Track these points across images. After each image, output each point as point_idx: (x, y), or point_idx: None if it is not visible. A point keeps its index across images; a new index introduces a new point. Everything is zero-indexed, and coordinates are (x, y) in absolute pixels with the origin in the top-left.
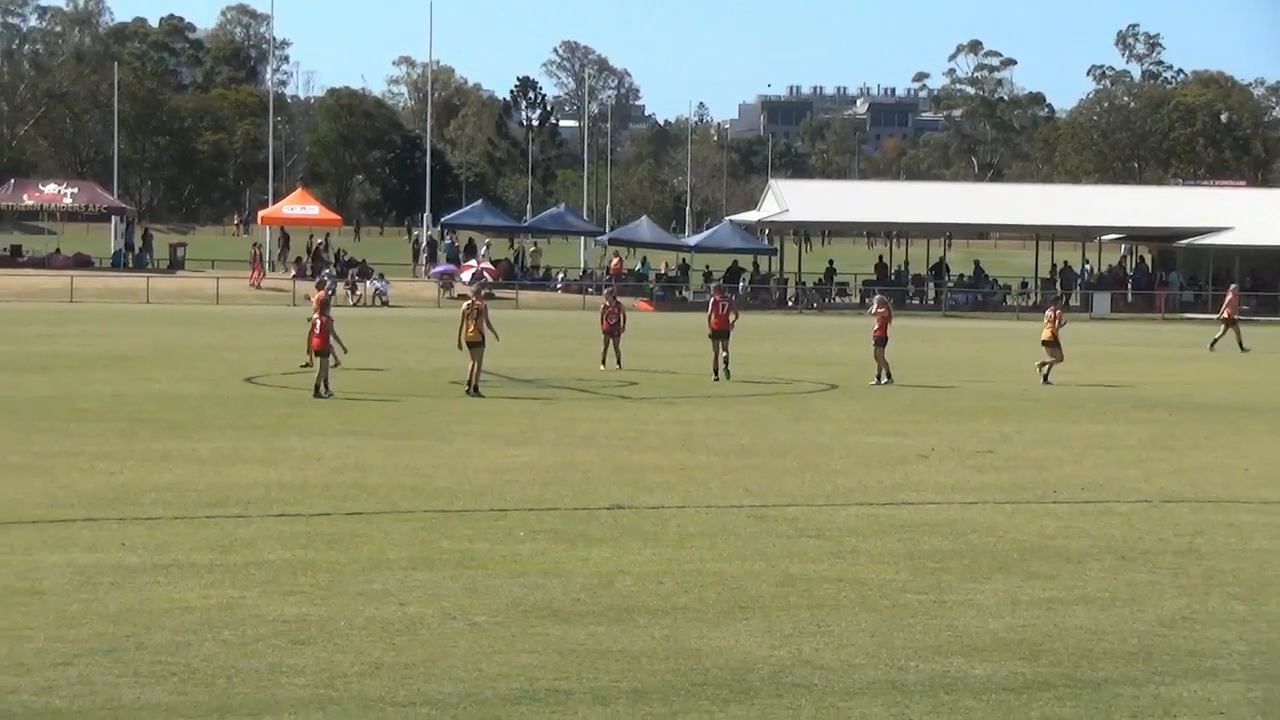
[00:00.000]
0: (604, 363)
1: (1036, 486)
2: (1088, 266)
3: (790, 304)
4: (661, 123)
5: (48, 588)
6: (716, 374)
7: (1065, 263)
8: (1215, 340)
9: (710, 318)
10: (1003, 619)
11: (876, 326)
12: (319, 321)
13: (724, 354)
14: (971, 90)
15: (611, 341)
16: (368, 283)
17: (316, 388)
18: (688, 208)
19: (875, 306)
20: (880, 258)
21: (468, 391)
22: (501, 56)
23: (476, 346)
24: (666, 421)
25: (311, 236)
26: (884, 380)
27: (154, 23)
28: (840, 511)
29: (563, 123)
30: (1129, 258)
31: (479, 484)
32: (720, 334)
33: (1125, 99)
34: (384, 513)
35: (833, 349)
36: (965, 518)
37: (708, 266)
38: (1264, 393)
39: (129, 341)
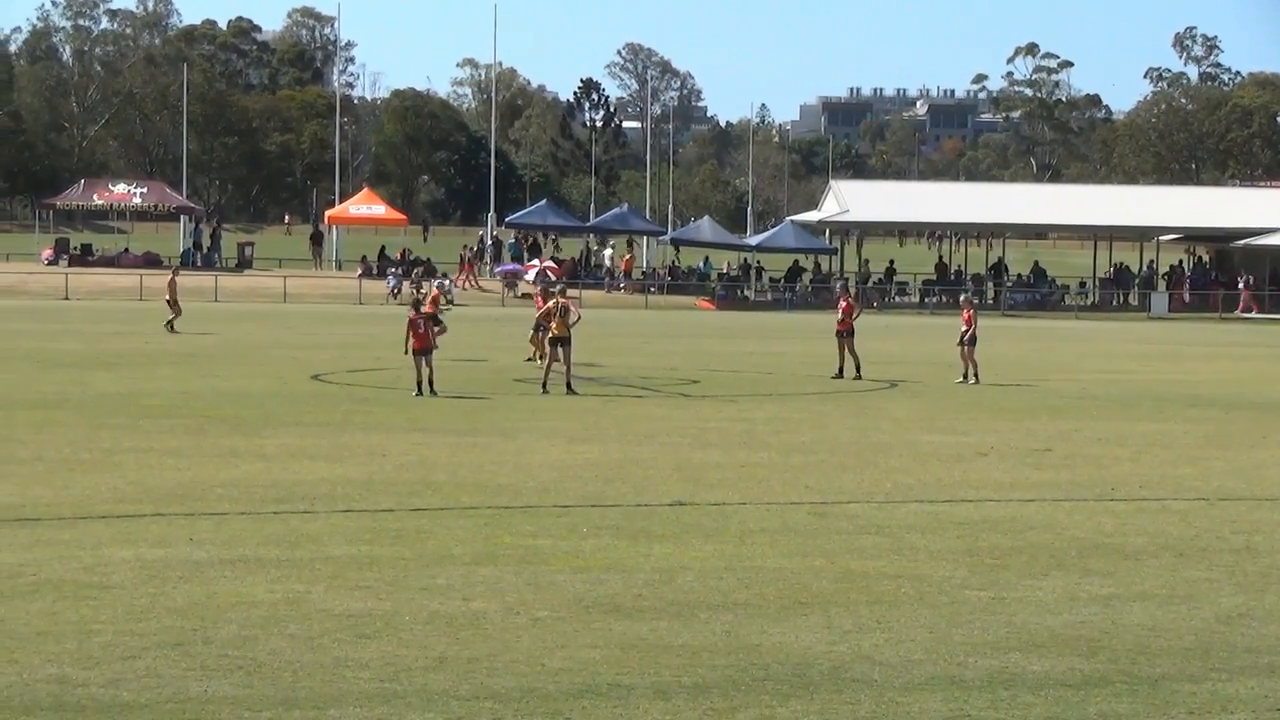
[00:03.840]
0: (531, 357)
1: (1094, 484)
2: (1151, 264)
3: None
4: (723, 124)
5: (116, 582)
6: (841, 373)
7: (1123, 264)
8: None
9: (838, 318)
10: (1061, 615)
11: (968, 328)
12: (418, 319)
13: (852, 355)
14: (1029, 92)
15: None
16: (432, 282)
17: (428, 385)
18: (749, 208)
19: (963, 307)
20: (940, 257)
21: (544, 389)
22: (565, 58)
23: (565, 343)
24: (728, 419)
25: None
26: (969, 379)
27: (222, 24)
28: (900, 508)
29: (626, 124)
30: (1188, 257)
31: (542, 480)
32: (845, 334)
33: (1182, 101)
34: (448, 509)
35: (892, 348)
36: (1024, 515)
37: (758, 262)
38: None
39: (197, 339)
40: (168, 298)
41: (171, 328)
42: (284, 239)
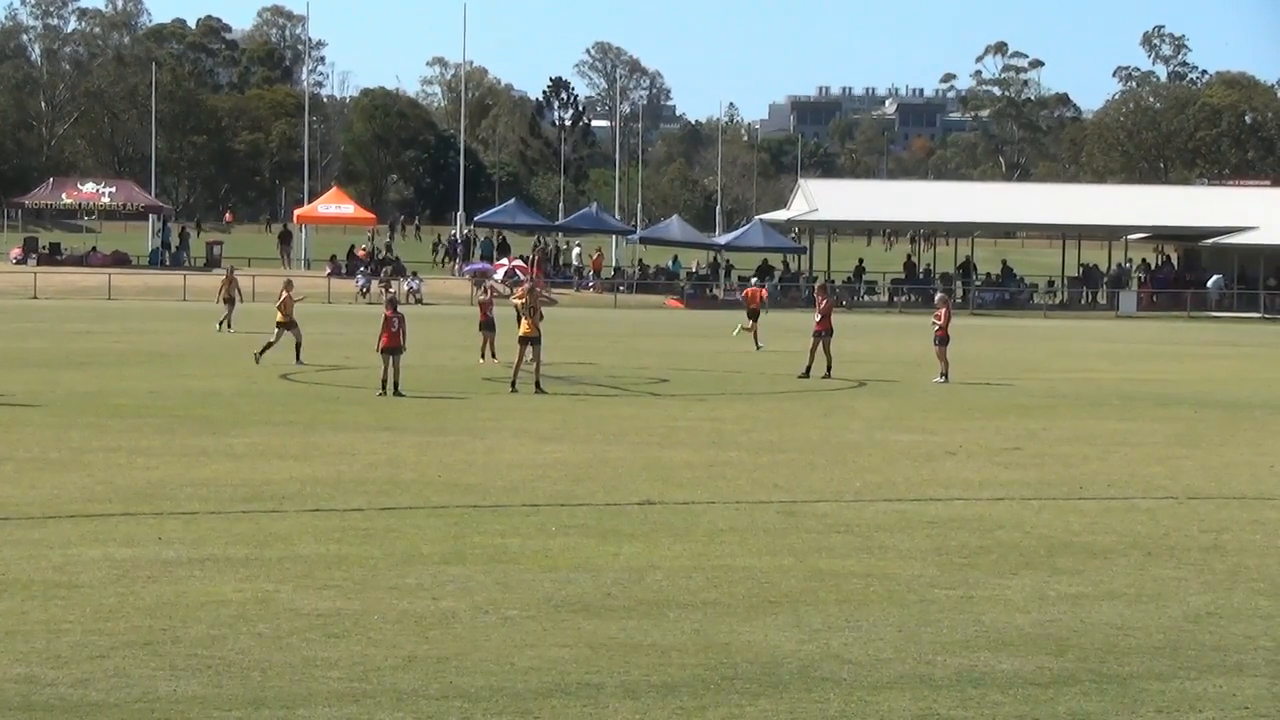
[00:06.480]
0: (483, 357)
1: (1063, 483)
2: (1128, 263)
3: None
4: (692, 123)
5: (85, 581)
6: (808, 373)
7: (1093, 264)
8: None
9: (816, 318)
10: (1029, 614)
11: (938, 325)
12: (393, 317)
13: (826, 354)
14: (998, 91)
15: (489, 336)
16: (402, 281)
17: (393, 385)
18: (718, 207)
19: (937, 305)
20: (909, 256)
21: (513, 388)
22: (534, 57)
23: (535, 342)
24: (697, 418)
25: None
26: (944, 378)
27: (191, 24)
28: (868, 507)
29: (595, 123)
30: (1157, 256)
31: (511, 479)
32: (822, 335)
33: (1151, 100)
34: (417, 508)
35: (860, 347)
36: (992, 514)
37: (727, 261)
38: None
39: (166, 338)
40: (224, 296)
41: (228, 324)
42: (252, 238)
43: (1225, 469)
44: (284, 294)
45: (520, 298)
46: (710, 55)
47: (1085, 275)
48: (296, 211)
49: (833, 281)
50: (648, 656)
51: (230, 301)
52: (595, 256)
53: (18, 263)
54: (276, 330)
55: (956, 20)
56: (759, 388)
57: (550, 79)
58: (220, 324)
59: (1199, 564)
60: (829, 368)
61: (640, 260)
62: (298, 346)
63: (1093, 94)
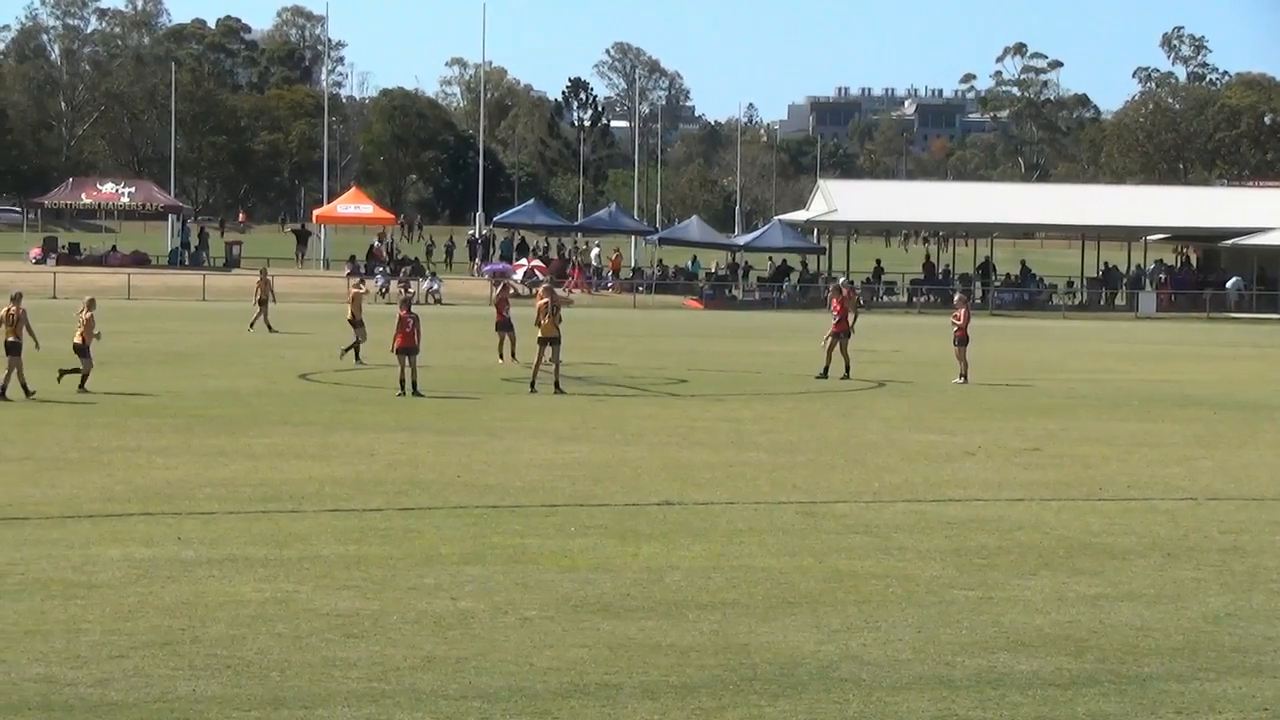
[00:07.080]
0: (500, 357)
1: (1082, 484)
2: (1156, 263)
3: None
4: (711, 123)
5: (104, 581)
6: (826, 374)
7: (1112, 264)
8: None
9: (833, 319)
10: (1049, 615)
11: (957, 326)
12: (408, 317)
13: (843, 355)
14: (1018, 92)
15: (507, 336)
16: (421, 281)
17: (411, 385)
18: (737, 207)
19: (956, 306)
20: (927, 257)
21: (532, 389)
22: (553, 58)
23: (554, 343)
24: (716, 419)
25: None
26: (961, 379)
27: (211, 24)
28: (888, 508)
29: (614, 123)
30: (1176, 257)
31: (530, 480)
32: (839, 336)
33: (1170, 101)
34: (436, 508)
35: (879, 347)
36: (1011, 514)
37: (746, 261)
38: None
39: (185, 338)
40: (258, 298)
41: (259, 325)
42: (271, 239)
43: (1245, 470)
44: (352, 292)
45: (540, 299)
46: (729, 56)
47: (1104, 276)
48: (315, 212)
49: (853, 283)
50: (667, 657)
51: (263, 303)
52: (614, 257)
53: (37, 262)
54: (353, 329)
55: (976, 21)
56: (778, 388)
57: (569, 79)
58: (266, 325)
59: (1218, 565)
60: (847, 368)
61: (659, 261)
62: (356, 346)
63: (1112, 95)
